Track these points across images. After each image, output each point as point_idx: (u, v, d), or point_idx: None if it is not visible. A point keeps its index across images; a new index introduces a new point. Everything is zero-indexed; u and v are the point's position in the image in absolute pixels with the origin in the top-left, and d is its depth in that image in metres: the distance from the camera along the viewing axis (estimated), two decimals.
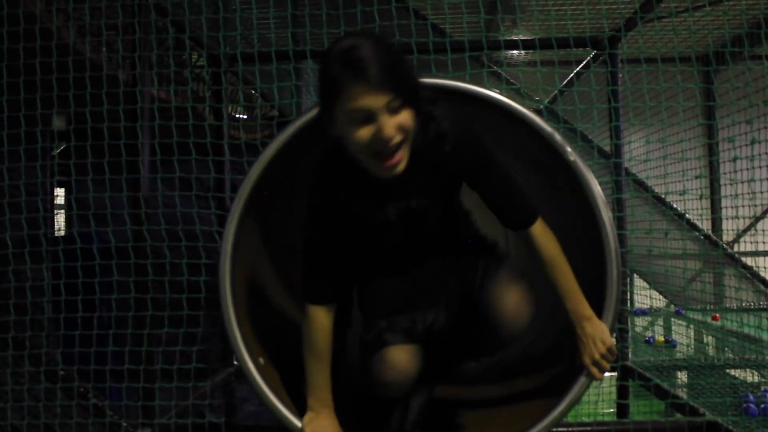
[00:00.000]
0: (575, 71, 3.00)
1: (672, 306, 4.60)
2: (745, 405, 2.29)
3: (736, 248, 5.45)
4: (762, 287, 4.50)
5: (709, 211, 4.22)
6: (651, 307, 4.53)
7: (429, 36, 2.62)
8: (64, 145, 5.84)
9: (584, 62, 2.98)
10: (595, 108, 2.34)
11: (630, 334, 2.69)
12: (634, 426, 2.06)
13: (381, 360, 1.71)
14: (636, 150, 4.17)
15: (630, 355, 2.55)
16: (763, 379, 2.80)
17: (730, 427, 2.02)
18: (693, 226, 4.37)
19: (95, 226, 2.18)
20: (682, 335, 3.94)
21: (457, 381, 2.14)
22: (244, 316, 1.92)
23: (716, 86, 2.44)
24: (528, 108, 1.89)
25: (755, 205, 2.38)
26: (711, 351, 3.66)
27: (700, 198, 3.57)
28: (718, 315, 4.04)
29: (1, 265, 2.20)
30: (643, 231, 3.31)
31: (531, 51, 2.75)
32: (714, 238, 4.70)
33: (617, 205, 2.41)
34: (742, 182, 2.34)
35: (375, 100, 1.33)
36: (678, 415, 2.25)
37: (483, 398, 2.16)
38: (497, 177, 1.62)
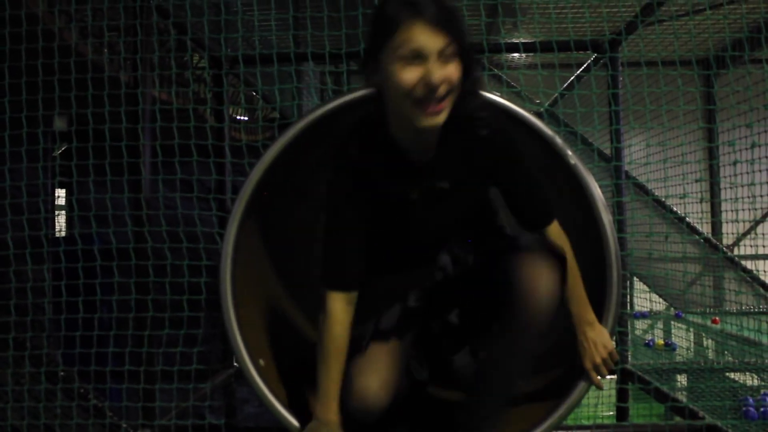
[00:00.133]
0: (576, 74, 3.00)
1: (672, 309, 4.61)
2: (744, 408, 2.30)
3: (736, 251, 5.46)
4: (762, 290, 4.51)
5: (709, 215, 4.23)
6: (651, 310, 4.54)
7: None
8: (65, 147, 5.86)
9: (585, 65, 2.98)
10: (596, 111, 2.34)
11: (630, 337, 2.69)
12: (633, 429, 2.06)
13: (350, 388, 1.57)
14: (636, 153, 4.18)
15: (630, 358, 2.55)
16: (763, 383, 2.81)
17: (730, 431, 2.02)
18: (693, 230, 4.38)
19: (96, 228, 2.19)
20: (682, 338, 3.95)
21: (456, 382, 2.13)
22: (246, 318, 1.92)
23: (717, 90, 2.44)
24: (529, 111, 1.89)
25: (755, 209, 2.39)
26: (711, 354, 3.66)
27: (700, 201, 3.57)
28: (717, 318, 4.05)
29: (2, 265, 2.20)
30: (644, 234, 3.32)
31: (532, 54, 2.76)
32: (714, 241, 4.71)
33: (617, 208, 2.41)
34: (742, 186, 2.34)
35: (431, 41, 1.30)
36: (677, 419, 2.25)
37: None
38: (524, 174, 1.59)
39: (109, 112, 2.14)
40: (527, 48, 2.52)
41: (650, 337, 4.01)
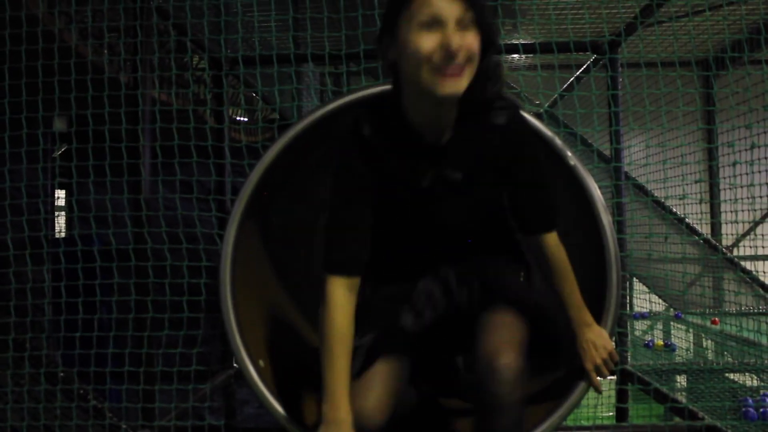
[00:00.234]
0: (575, 75, 3.00)
1: (671, 310, 4.61)
2: (744, 409, 2.30)
3: (735, 252, 5.46)
4: (761, 291, 4.51)
5: (709, 216, 4.22)
6: (650, 311, 4.54)
7: None
8: (65, 147, 5.85)
9: (584, 66, 2.98)
10: (595, 112, 2.35)
11: (629, 337, 2.69)
12: (633, 430, 2.06)
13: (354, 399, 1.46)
14: (636, 154, 4.18)
15: (629, 359, 2.55)
16: (762, 383, 2.81)
17: (729, 431, 2.02)
18: (692, 231, 4.38)
19: (96, 228, 2.19)
20: (682, 339, 3.95)
21: (461, 394, 2.08)
22: (245, 319, 1.92)
23: (716, 91, 2.44)
24: (528, 112, 1.89)
25: (754, 210, 2.39)
26: (710, 355, 3.66)
27: (700, 202, 3.58)
28: (717, 319, 4.04)
29: (2, 266, 2.20)
30: (643, 235, 3.32)
31: (531, 55, 2.75)
32: (713, 242, 4.72)
33: (617, 209, 2.42)
34: (742, 187, 2.34)
35: (449, 7, 1.29)
36: (677, 419, 2.25)
37: None
38: (536, 173, 1.55)
39: (109, 113, 2.15)
40: (527, 49, 2.52)
41: (650, 338, 4.01)
